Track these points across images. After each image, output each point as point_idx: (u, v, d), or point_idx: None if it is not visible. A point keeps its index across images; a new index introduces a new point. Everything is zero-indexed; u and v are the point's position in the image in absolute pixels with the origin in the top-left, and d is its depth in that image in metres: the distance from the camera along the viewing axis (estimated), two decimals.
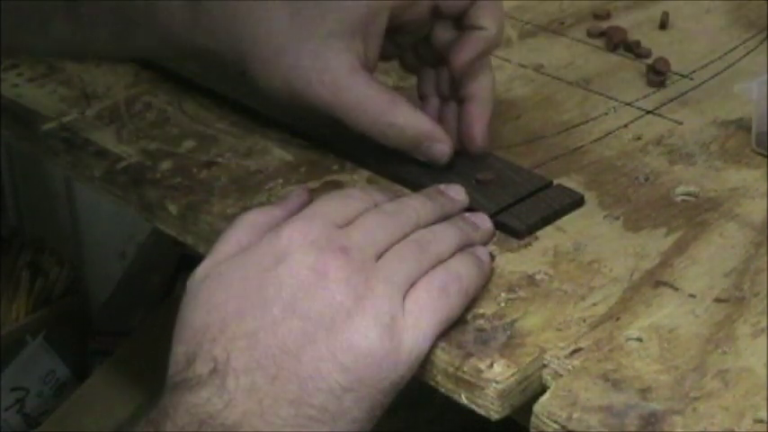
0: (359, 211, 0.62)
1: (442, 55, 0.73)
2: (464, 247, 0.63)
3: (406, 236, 0.62)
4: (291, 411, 0.56)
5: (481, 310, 0.61)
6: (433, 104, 0.75)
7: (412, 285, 0.60)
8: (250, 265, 0.59)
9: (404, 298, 0.59)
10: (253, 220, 0.63)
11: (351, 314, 0.57)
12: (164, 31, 0.73)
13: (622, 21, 0.92)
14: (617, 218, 0.69)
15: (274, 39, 0.69)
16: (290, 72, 0.70)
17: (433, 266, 0.61)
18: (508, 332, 0.60)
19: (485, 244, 0.66)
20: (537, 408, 0.56)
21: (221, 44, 0.71)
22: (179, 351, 0.59)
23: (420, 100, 0.75)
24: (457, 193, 0.68)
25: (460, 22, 0.72)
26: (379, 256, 0.60)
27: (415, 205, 0.64)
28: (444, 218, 0.65)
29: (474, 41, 0.71)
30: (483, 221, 0.67)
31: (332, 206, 0.62)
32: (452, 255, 0.62)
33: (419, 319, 0.58)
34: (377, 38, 0.70)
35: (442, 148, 0.71)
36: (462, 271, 0.61)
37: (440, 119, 0.74)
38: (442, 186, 0.68)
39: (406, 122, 0.70)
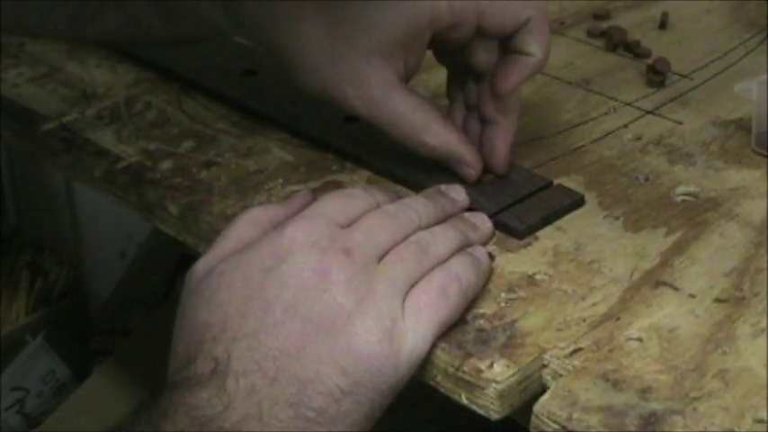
0: (361, 211, 0.62)
1: (479, 70, 0.72)
2: (463, 247, 0.63)
3: (406, 237, 0.62)
4: (290, 413, 0.56)
5: (481, 310, 0.61)
6: (459, 110, 0.74)
7: (411, 287, 0.60)
8: (252, 265, 0.59)
9: (403, 299, 0.59)
10: (255, 217, 0.63)
11: (351, 317, 0.57)
12: (208, 24, 0.72)
13: (622, 21, 0.92)
14: (617, 218, 0.69)
15: (312, 53, 0.69)
16: (328, 85, 0.70)
17: (432, 268, 0.61)
18: (508, 332, 0.60)
19: (484, 244, 0.66)
20: (537, 408, 0.56)
21: (264, 45, 0.72)
22: (179, 349, 0.59)
23: (448, 100, 0.74)
24: (457, 194, 0.68)
25: (506, 44, 0.70)
26: (381, 258, 0.60)
27: (417, 207, 0.64)
28: (445, 219, 0.65)
29: (521, 67, 0.70)
30: (482, 222, 0.67)
31: (334, 206, 0.62)
32: (451, 256, 0.62)
33: (419, 321, 0.58)
34: (417, 55, 0.70)
35: (469, 172, 0.71)
36: (461, 272, 0.61)
37: (465, 127, 0.73)
38: (442, 187, 0.68)
39: (437, 144, 0.70)
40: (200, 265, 0.61)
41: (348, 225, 0.61)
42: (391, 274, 0.59)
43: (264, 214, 0.63)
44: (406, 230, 0.62)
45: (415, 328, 0.58)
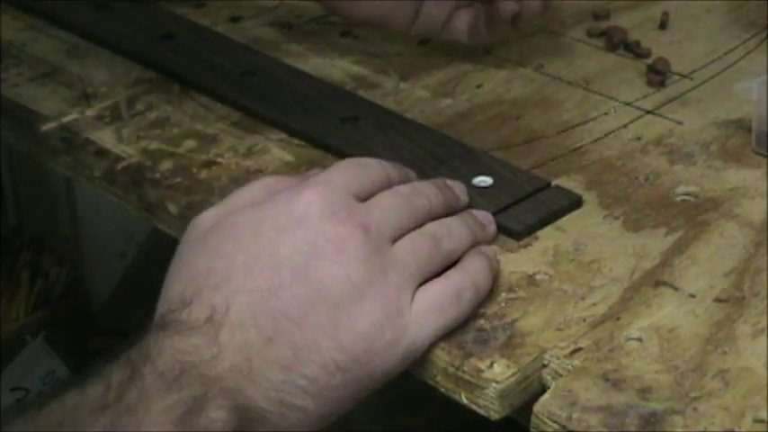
0: (375, 184, 0.62)
1: None
2: (473, 245, 0.63)
3: (418, 223, 0.61)
4: (281, 376, 0.56)
5: (481, 310, 0.61)
6: None
7: (423, 283, 0.59)
8: (265, 221, 0.58)
9: (413, 292, 0.59)
10: (269, 184, 0.63)
11: (361, 296, 0.57)
12: None
13: (622, 21, 0.92)
14: (617, 218, 0.69)
15: None
16: None
17: (443, 263, 0.61)
18: (508, 332, 0.60)
19: (490, 244, 0.66)
20: (537, 408, 0.56)
21: None
22: (174, 290, 0.58)
23: None
24: (460, 192, 0.68)
25: None
26: (394, 241, 0.60)
27: (428, 193, 0.63)
28: (451, 212, 0.65)
29: None
30: (489, 221, 0.66)
31: (350, 175, 0.61)
32: (464, 252, 0.62)
33: (425, 318, 0.58)
34: None
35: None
36: (479, 278, 0.61)
37: None
38: (448, 182, 0.68)
39: None
40: (208, 216, 0.61)
41: (362, 197, 0.61)
42: (404, 264, 0.59)
43: (279, 183, 0.62)
44: (419, 216, 0.62)
45: (421, 324, 0.58)
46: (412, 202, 0.62)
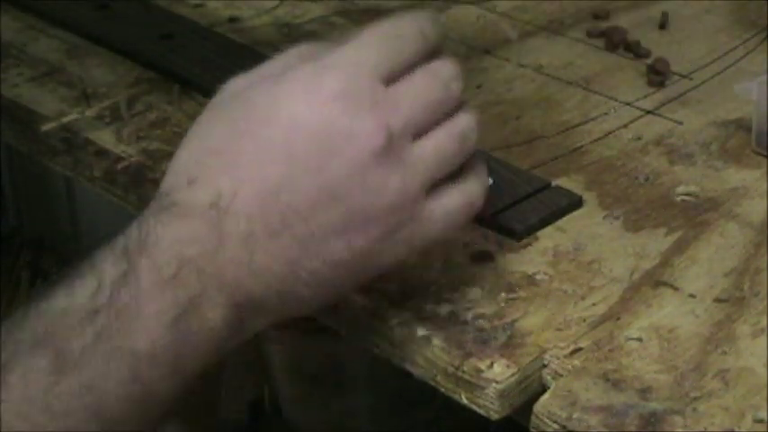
0: (410, 59, 0.57)
1: None
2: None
3: (450, 113, 0.57)
4: (285, 270, 0.54)
5: (481, 310, 0.61)
6: None
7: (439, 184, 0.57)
8: (280, 103, 0.55)
9: (428, 192, 0.57)
10: (302, 52, 0.58)
11: (375, 199, 0.54)
12: None
13: (622, 21, 0.92)
14: (617, 218, 0.69)
15: None
16: None
17: (463, 161, 0.58)
18: (508, 332, 0.60)
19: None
20: (537, 408, 0.56)
21: None
22: (182, 159, 0.56)
23: None
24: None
25: None
26: (418, 135, 0.56)
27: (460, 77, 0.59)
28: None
29: None
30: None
31: (382, 53, 0.56)
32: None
33: (437, 223, 0.57)
34: None
35: None
36: (474, 191, 0.59)
37: None
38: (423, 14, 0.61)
39: None
40: (238, 82, 0.58)
41: (393, 77, 0.56)
42: (423, 165, 0.56)
43: (313, 52, 0.58)
44: (452, 105, 0.58)
45: (434, 225, 0.57)
46: (449, 88, 0.57)
